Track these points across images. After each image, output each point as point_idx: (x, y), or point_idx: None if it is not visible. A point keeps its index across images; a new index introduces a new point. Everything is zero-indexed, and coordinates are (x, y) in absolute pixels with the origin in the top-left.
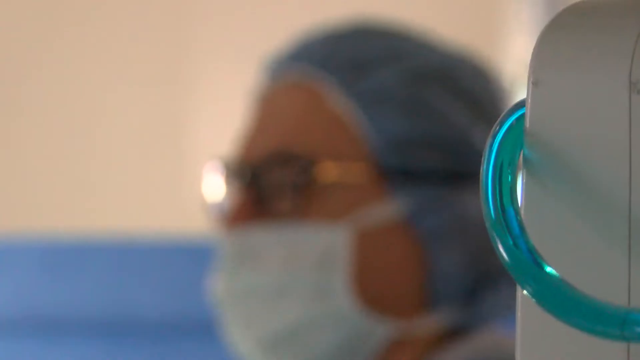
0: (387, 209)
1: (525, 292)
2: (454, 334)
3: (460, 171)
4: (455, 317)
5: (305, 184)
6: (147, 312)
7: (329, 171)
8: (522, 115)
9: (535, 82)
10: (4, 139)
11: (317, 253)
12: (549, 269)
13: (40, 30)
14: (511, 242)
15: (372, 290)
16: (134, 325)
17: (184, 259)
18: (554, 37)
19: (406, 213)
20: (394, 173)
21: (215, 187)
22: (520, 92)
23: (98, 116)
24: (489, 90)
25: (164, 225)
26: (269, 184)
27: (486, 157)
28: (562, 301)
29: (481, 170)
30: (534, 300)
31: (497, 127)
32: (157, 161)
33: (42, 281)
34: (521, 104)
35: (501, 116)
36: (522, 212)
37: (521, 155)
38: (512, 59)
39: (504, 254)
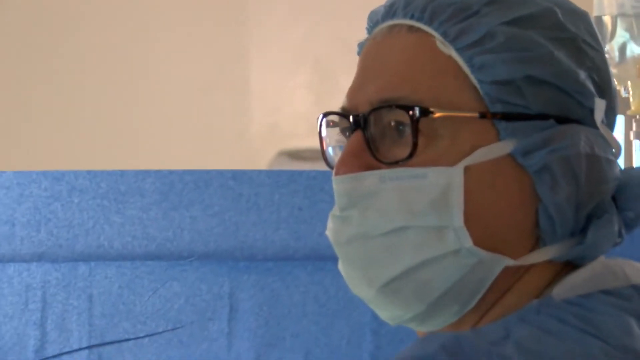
0: (496, 151)
1: None
2: (566, 269)
3: (567, 112)
4: (566, 253)
5: (417, 129)
6: (259, 242)
7: (439, 117)
8: None
9: None
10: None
11: (431, 196)
12: None
13: None
14: None
15: (486, 229)
16: (245, 255)
17: (294, 193)
18: None
19: (515, 154)
20: (503, 116)
21: (327, 136)
22: (614, 41)
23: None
24: (590, 37)
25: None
26: (380, 131)
27: None
28: None
29: None
30: None
31: None
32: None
33: (161, 213)
34: None
35: None
36: None
37: None
38: (606, 9)
39: None
